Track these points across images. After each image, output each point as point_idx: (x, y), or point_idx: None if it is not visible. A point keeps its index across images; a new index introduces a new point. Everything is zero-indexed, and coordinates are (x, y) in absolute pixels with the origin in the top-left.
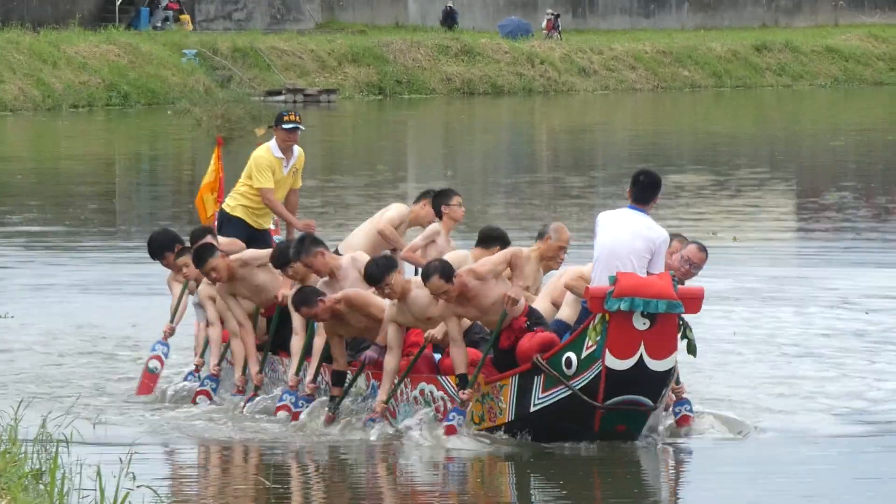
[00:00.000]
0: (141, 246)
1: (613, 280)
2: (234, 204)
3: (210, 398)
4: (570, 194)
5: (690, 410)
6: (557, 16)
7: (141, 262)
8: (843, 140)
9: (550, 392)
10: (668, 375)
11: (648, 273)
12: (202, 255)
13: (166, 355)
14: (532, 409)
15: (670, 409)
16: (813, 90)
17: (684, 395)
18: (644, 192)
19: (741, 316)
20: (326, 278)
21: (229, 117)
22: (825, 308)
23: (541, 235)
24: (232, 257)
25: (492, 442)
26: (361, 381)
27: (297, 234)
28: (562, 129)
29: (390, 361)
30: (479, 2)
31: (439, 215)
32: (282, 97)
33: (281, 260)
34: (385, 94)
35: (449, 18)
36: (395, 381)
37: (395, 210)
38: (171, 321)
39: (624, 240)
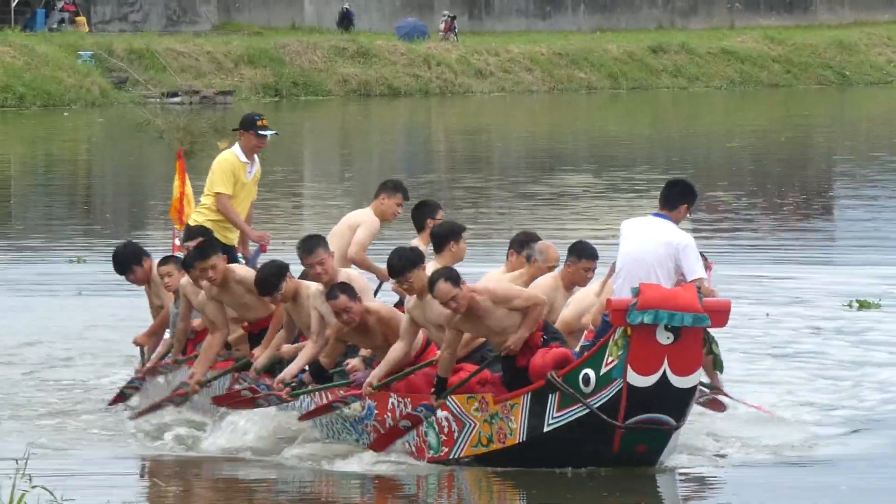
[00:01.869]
0: (37, 246)
1: (636, 292)
2: (200, 219)
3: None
4: (468, 195)
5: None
6: (454, 17)
7: (35, 261)
8: (737, 142)
9: (566, 411)
10: (693, 392)
11: (680, 280)
12: (206, 249)
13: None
14: (546, 429)
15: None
16: (709, 92)
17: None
18: (674, 196)
19: None
20: (321, 288)
21: (191, 129)
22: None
23: (528, 259)
24: (231, 266)
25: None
26: (357, 403)
27: (251, 246)
28: (458, 131)
29: (397, 349)
30: (376, 3)
31: (419, 227)
32: (178, 99)
33: (267, 288)
34: (281, 96)
35: (345, 20)
36: (390, 377)
37: (363, 231)
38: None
39: (647, 249)
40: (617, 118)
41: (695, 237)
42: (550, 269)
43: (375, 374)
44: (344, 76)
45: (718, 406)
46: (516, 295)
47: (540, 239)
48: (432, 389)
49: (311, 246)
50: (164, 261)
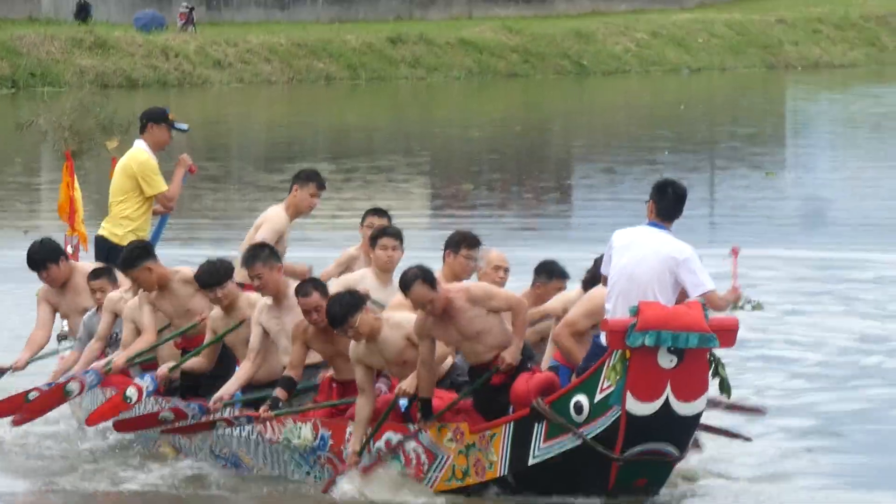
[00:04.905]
0: None
1: (635, 311)
2: (121, 232)
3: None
4: (208, 183)
5: None
6: (192, 9)
7: None
8: (476, 132)
9: (554, 441)
10: (697, 420)
11: (679, 300)
12: (139, 255)
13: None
14: (531, 461)
15: None
16: (447, 82)
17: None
18: (671, 206)
19: None
20: (270, 302)
21: (78, 129)
22: None
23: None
24: (172, 269)
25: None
26: (307, 430)
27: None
28: (196, 122)
29: (363, 407)
30: None
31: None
32: None
33: (213, 278)
34: (18, 87)
35: (83, 12)
36: (368, 432)
37: (265, 230)
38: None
39: (644, 263)
40: (356, 109)
41: (448, 225)
42: (498, 270)
43: (355, 439)
44: (81, 68)
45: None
46: (494, 294)
47: (478, 239)
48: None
49: (244, 260)
50: (96, 274)
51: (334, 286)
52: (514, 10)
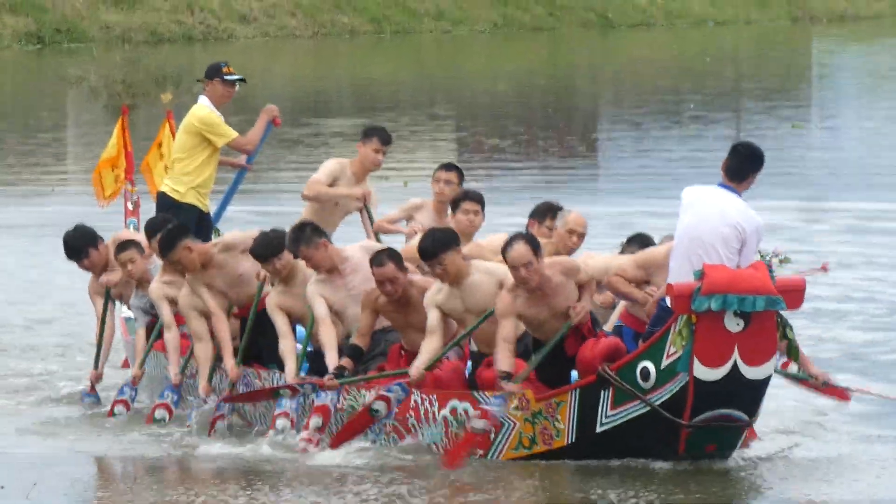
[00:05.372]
0: None
1: (700, 274)
2: (183, 189)
3: (170, 412)
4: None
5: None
6: None
7: None
8: (502, 85)
9: (622, 408)
10: (766, 384)
11: (738, 267)
12: (175, 236)
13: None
14: (599, 428)
15: None
16: (472, 35)
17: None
18: (742, 165)
19: None
20: (323, 275)
21: (130, 83)
22: None
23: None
24: (211, 242)
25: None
26: (373, 399)
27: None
28: None
29: (431, 341)
30: None
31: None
32: None
33: (269, 250)
34: (44, 44)
35: None
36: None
37: (319, 171)
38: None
39: (710, 224)
40: (381, 63)
41: (475, 178)
42: (571, 234)
43: (417, 366)
44: (107, 23)
45: (842, 394)
46: (580, 267)
47: (562, 208)
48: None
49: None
50: (123, 246)
51: (408, 249)
52: None
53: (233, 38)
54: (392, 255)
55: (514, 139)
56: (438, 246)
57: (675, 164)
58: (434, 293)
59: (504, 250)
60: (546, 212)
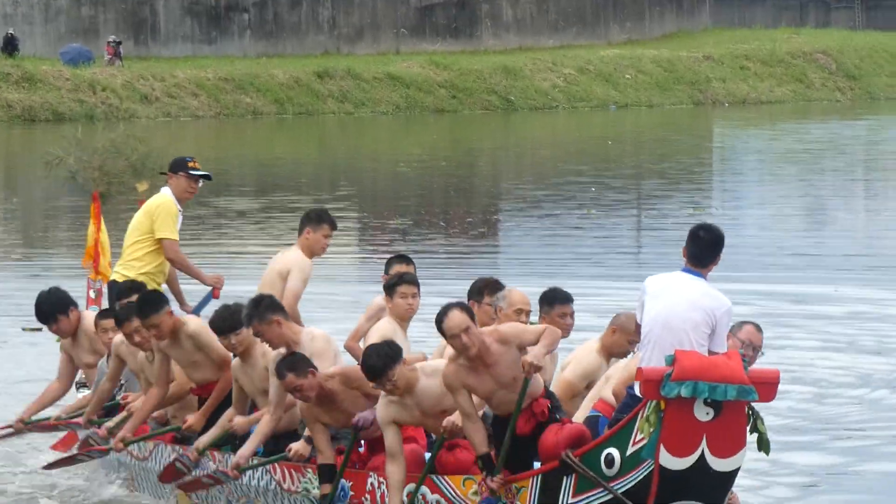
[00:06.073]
0: None
1: (671, 360)
2: (132, 275)
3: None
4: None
5: None
6: (119, 43)
7: None
8: (403, 167)
9: (584, 496)
10: (734, 477)
11: (710, 352)
12: (160, 298)
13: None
14: None
15: None
16: (375, 117)
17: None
18: (704, 251)
19: None
20: (283, 351)
21: (108, 170)
22: None
23: (495, 310)
24: (183, 318)
25: None
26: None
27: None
28: None
29: (395, 472)
30: (41, 29)
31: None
32: None
33: (227, 324)
34: None
35: (9, 45)
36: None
37: (296, 279)
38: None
39: (679, 311)
40: (283, 143)
41: (376, 258)
42: (520, 314)
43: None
44: (8, 101)
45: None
46: (523, 328)
47: (497, 281)
48: (480, 469)
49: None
50: (104, 314)
51: (371, 337)
52: (441, 45)
53: (134, 118)
54: (291, 364)
55: (415, 218)
56: (387, 362)
57: (576, 246)
58: (385, 409)
59: (439, 321)
60: (483, 289)
